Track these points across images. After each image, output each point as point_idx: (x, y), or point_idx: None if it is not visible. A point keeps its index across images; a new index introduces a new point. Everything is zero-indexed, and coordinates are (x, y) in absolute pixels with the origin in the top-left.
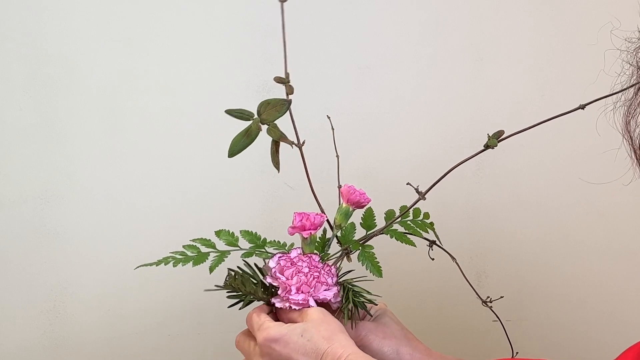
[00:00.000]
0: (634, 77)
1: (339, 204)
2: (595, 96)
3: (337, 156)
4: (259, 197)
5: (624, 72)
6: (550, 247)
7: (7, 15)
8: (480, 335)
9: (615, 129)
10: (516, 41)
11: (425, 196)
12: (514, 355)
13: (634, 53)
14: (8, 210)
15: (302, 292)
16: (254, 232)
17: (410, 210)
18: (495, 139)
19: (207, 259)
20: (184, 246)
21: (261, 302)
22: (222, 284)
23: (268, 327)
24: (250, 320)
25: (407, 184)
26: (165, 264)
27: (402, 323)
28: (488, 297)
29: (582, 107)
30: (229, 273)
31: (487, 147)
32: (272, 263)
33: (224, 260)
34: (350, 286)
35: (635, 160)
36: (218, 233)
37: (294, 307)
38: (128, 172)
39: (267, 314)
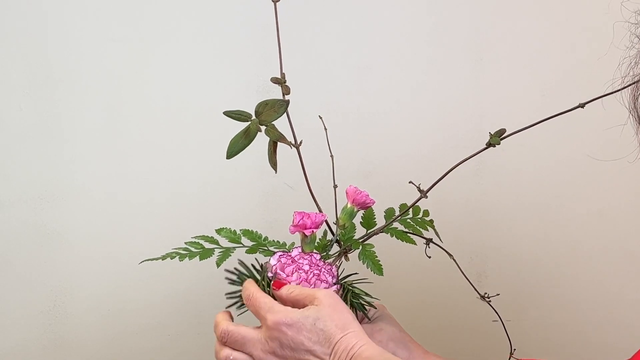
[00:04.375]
0: None
1: (336, 204)
2: (596, 94)
3: (332, 156)
4: (259, 197)
5: (632, 46)
6: (550, 247)
7: (7, 16)
8: (480, 335)
9: (622, 105)
10: (516, 41)
11: (426, 196)
12: (512, 351)
13: None
14: (8, 210)
15: None
16: (254, 231)
17: (410, 209)
18: (497, 137)
19: (213, 254)
20: (186, 243)
21: None
22: (229, 277)
23: (279, 311)
24: (255, 300)
25: (410, 182)
26: (171, 259)
27: (401, 324)
28: (485, 293)
29: (582, 105)
30: (239, 262)
31: (489, 145)
32: (273, 260)
33: (229, 256)
34: (350, 287)
35: None
36: (219, 231)
37: None
38: (128, 172)
39: None
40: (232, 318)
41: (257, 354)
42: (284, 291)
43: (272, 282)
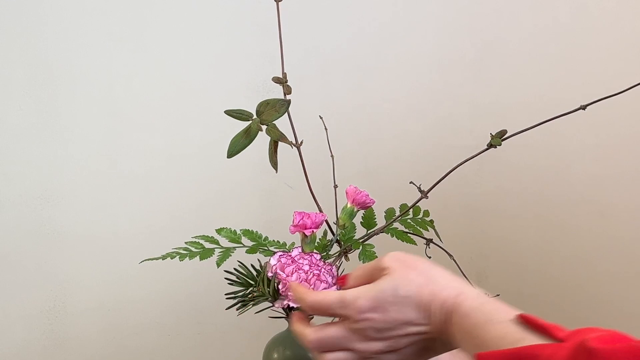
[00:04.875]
0: None
1: (336, 204)
2: (596, 93)
3: (332, 156)
4: (259, 197)
5: None
6: (550, 248)
7: (7, 16)
8: None
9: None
10: (516, 41)
11: (427, 196)
12: None
13: None
14: (8, 210)
15: None
16: (254, 231)
17: (410, 209)
18: (498, 138)
19: (213, 254)
20: (186, 242)
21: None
22: (229, 278)
23: (355, 299)
24: (321, 304)
25: (410, 182)
26: (171, 258)
27: None
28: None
29: (583, 107)
30: (239, 265)
31: (490, 146)
32: (273, 260)
33: (230, 256)
34: None
35: None
36: (219, 230)
37: (292, 304)
38: (128, 172)
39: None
40: (307, 319)
41: (359, 346)
42: (352, 281)
43: (336, 279)
